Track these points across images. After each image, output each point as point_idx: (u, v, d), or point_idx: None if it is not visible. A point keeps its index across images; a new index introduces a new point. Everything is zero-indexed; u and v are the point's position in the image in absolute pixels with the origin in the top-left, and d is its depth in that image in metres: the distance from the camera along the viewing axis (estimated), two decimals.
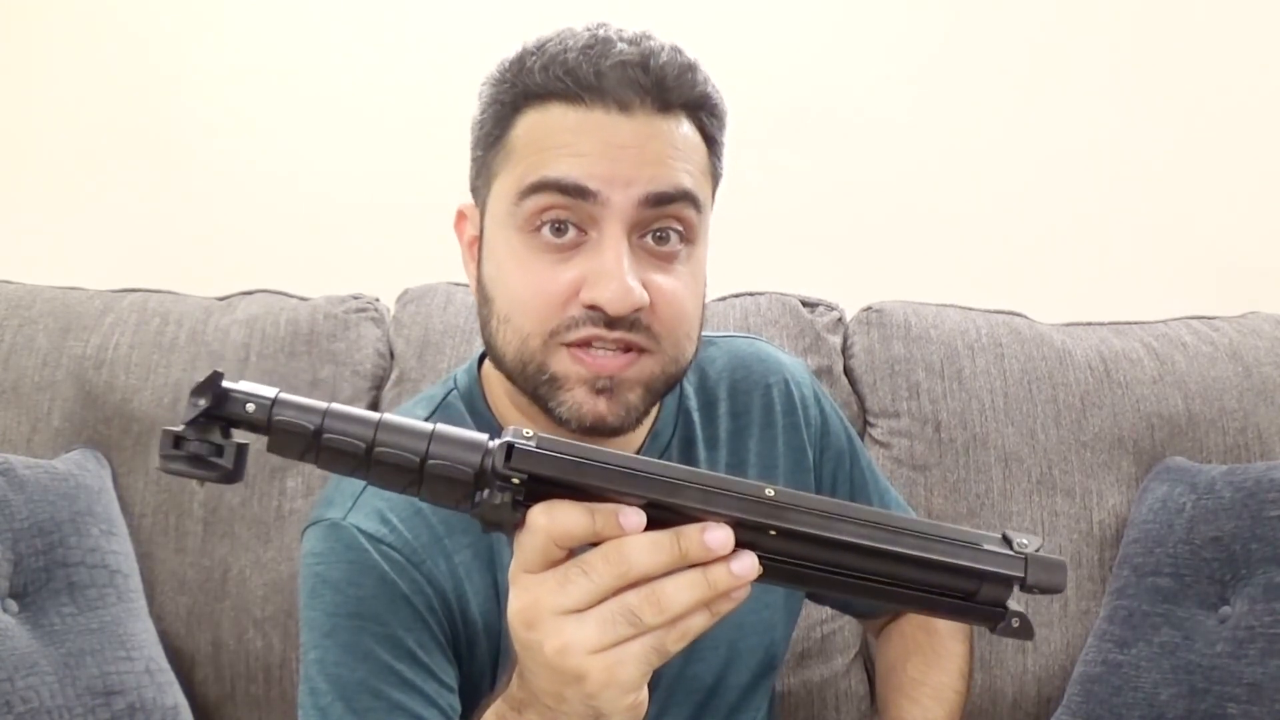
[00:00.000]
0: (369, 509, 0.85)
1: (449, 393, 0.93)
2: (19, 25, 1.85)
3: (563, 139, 0.79)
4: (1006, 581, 0.58)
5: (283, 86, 1.86)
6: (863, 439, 1.50)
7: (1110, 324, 1.58)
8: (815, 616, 1.43)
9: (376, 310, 1.56)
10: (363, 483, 0.86)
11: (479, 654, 0.86)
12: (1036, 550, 0.58)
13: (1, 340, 1.46)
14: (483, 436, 0.58)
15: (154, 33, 1.85)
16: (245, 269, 1.69)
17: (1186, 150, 1.86)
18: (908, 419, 1.49)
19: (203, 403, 0.57)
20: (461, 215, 0.92)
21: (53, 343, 1.46)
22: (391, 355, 1.53)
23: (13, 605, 1.26)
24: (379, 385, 1.50)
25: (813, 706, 1.44)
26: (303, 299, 1.56)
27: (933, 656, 1.07)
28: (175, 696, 1.31)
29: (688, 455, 0.95)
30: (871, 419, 1.52)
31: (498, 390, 0.90)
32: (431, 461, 0.57)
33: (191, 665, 1.40)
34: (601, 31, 0.81)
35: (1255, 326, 1.55)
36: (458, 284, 1.56)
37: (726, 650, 0.95)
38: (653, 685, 0.90)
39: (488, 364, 0.92)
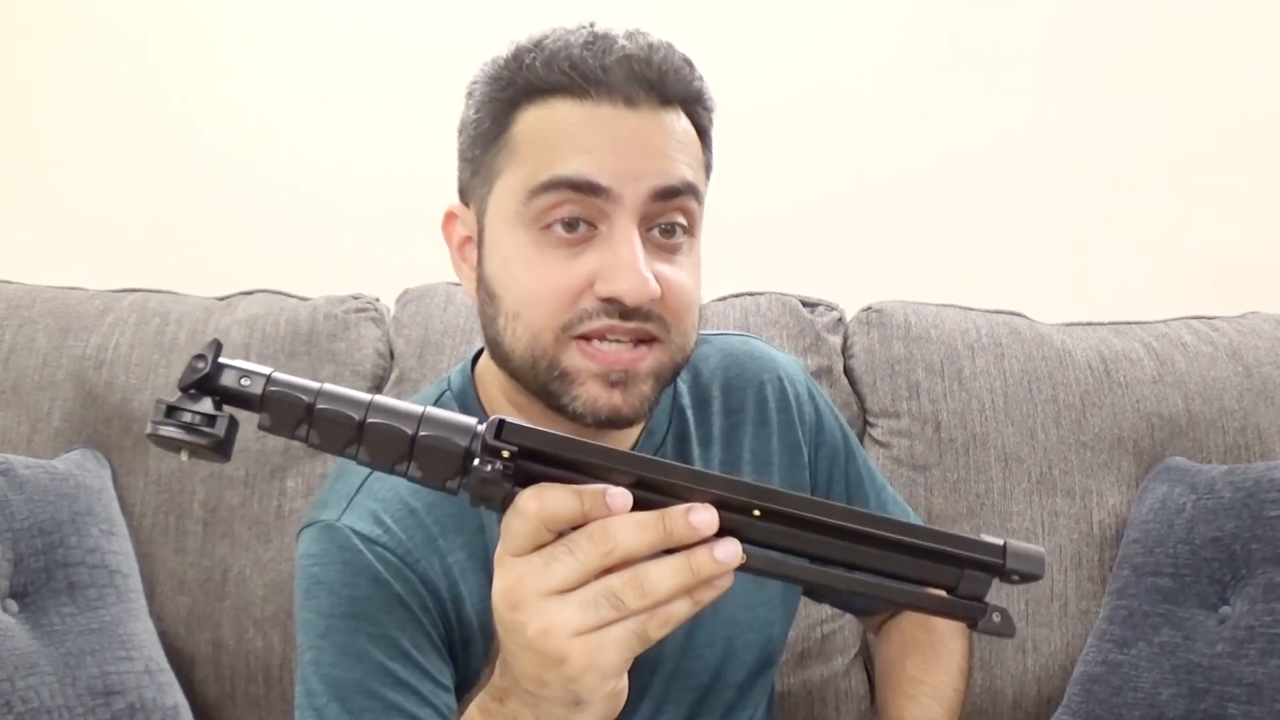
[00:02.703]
0: (363, 510, 0.85)
1: (443, 393, 0.93)
2: (19, 26, 1.86)
3: (570, 135, 0.80)
4: (986, 568, 0.59)
5: (283, 87, 1.86)
6: (863, 439, 1.50)
7: (1110, 324, 1.58)
8: (815, 616, 1.43)
9: (376, 310, 1.56)
10: (357, 485, 0.87)
11: (474, 654, 0.86)
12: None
13: (1, 340, 1.46)
14: (471, 420, 0.59)
15: (154, 33, 1.86)
16: (245, 269, 1.70)
17: (1186, 151, 1.86)
18: (908, 419, 1.49)
19: (202, 365, 0.57)
20: (450, 216, 0.91)
21: (53, 343, 1.46)
22: (391, 355, 1.53)
23: (13, 605, 1.26)
24: (379, 385, 1.51)
25: (813, 706, 1.44)
26: (303, 299, 1.56)
27: (932, 655, 1.07)
28: (175, 696, 1.32)
29: (682, 452, 0.96)
30: (871, 419, 1.52)
31: (493, 390, 0.90)
32: (423, 434, 0.58)
33: (191, 665, 1.40)
34: (598, 28, 0.82)
35: (1255, 326, 1.55)
36: (458, 284, 1.55)
37: (723, 647, 0.95)
38: (649, 681, 0.91)
39: (482, 363, 0.92)
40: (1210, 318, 1.58)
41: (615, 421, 0.81)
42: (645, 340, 0.81)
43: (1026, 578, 0.59)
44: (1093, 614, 1.42)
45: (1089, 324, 1.58)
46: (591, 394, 0.80)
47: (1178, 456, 1.45)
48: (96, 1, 1.86)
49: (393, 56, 1.86)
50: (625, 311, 0.79)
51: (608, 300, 0.79)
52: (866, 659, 1.48)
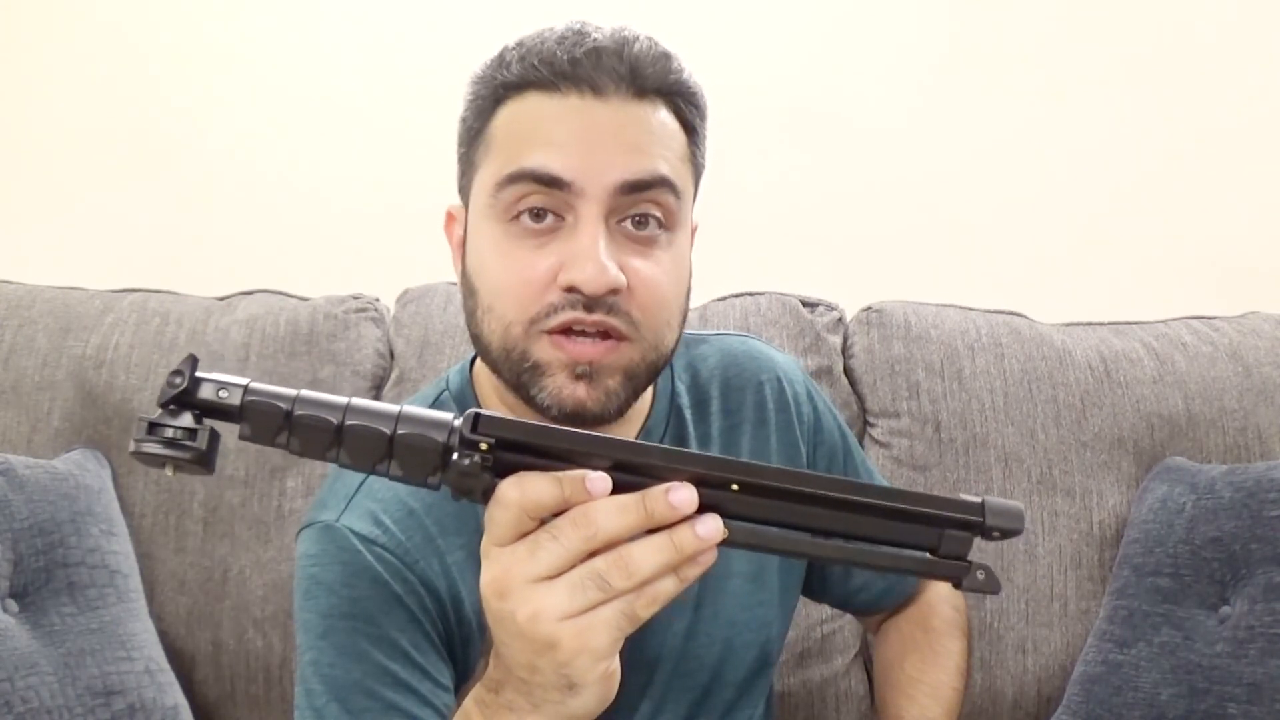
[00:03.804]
0: (362, 511, 0.85)
1: (441, 393, 0.94)
2: (19, 27, 1.86)
3: (539, 127, 0.81)
4: (966, 526, 0.60)
5: (283, 87, 1.86)
6: (862, 439, 1.50)
7: (1110, 324, 1.58)
8: (815, 616, 1.43)
9: (376, 310, 1.56)
10: (356, 485, 0.87)
11: (474, 653, 0.86)
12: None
13: (1, 340, 1.46)
14: (448, 415, 0.60)
15: (153, 33, 1.86)
16: (245, 269, 1.70)
17: (1186, 151, 1.86)
18: (908, 419, 1.49)
19: (180, 381, 0.58)
20: (450, 217, 0.93)
21: (53, 343, 1.46)
22: (391, 355, 1.53)
23: (13, 605, 1.26)
24: (379, 385, 1.51)
25: (813, 706, 1.44)
26: (303, 299, 1.56)
27: (930, 654, 1.07)
28: (175, 696, 1.32)
29: None
30: (871, 419, 1.52)
31: (489, 390, 0.91)
32: (401, 432, 0.58)
33: (191, 665, 1.40)
34: (578, 25, 0.82)
35: (1255, 326, 1.55)
36: (457, 284, 1.55)
37: (722, 647, 0.95)
38: (649, 681, 0.91)
39: (479, 364, 0.92)
40: (1210, 318, 1.58)
41: (581, 416, 0.81)
42: (612, 336, 0.81)
43: (1007, 533, 0.60)
44: (1093, 614, 1.42)
45: (1089, 324, 1.58)
46: (558, 385, 0.81)
47: (1178, 456, 1.45)
48: (96, 2, 1.86)
49: (393, 57, 1.86)
50: (588, 303, 0.79)
51: (569, 290, 0.79)
52: (866, 659, 1.48)
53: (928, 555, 0.61)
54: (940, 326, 1.53)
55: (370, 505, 0.86)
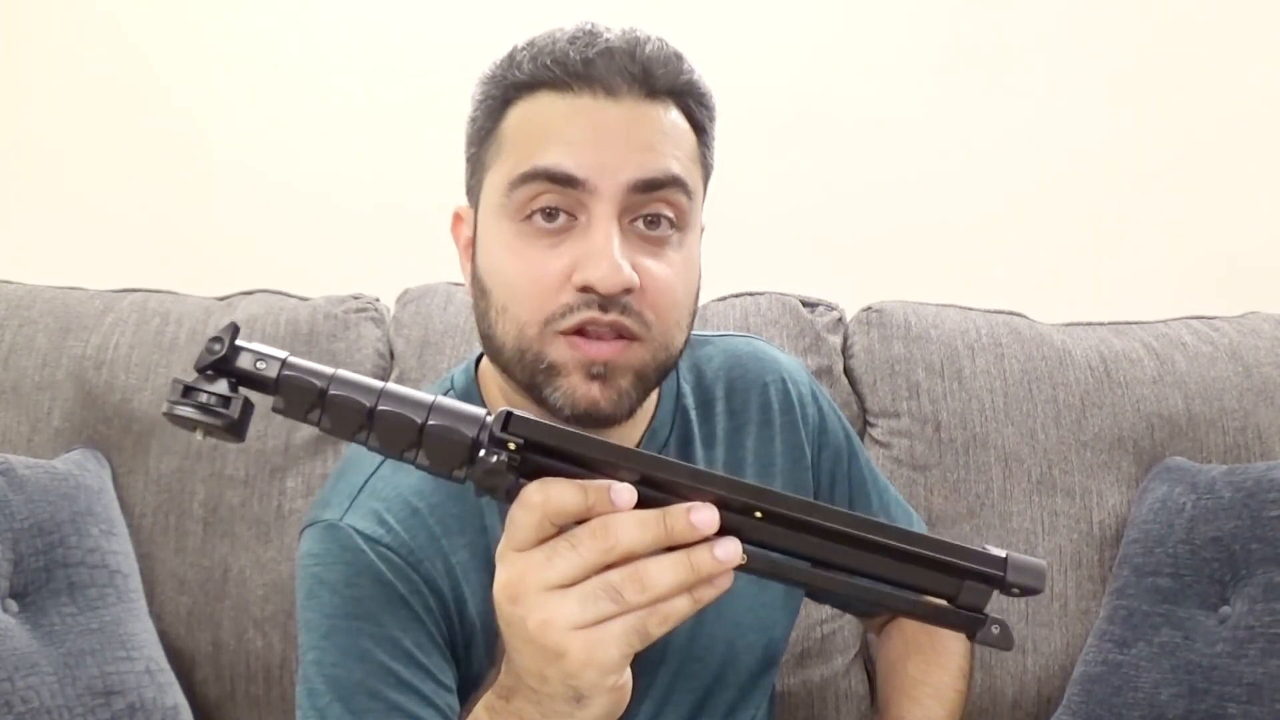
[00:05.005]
0: (366, 510, 0.85)
1: (446, 393, 0.94)
2: (19, 26, 1.85)
3: (551, 127, 0.81)
4: (986, 579, 0.59)
5: (283, 87, 1.86)
6: (863, 439, 1.50)
7: (1110, 324, 1.58)
8: (815, 616, 1.43)
9: (376, 310, 1.56)
10: (359, 484, 0.87)
11: (476, 654, 0.86)
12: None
13: (1, 340, 1.46)
14: (480, 410, 0.60)
15: (153, 32, 1.86)
16: (245, 269, 1.69)
17: (1187, 151, 1.86)
18: (908, 419, 1.49)
19: (219, 347, 0.58)
20: (458, 218, 0.92)
21: (53, 343, 1.46)
22: (391, 355, 1.53)
23: (13, 605, 1.26)
24: None
25: (813, 706, 1.44)
26: (303, 299, 1.56)
27: (933, 655, 1.07)
28: (175, 696, 1.32)
29: (685, 454, 0.95)
30: (871, 419, 1.52)
31: (494, 390, 0.91)
32: (432, 423, 0.59)
33: (191, 665, 1.40)
34: (589, 26, 0.83)
35: (1255, 326, 1.55)
36: (458, 284, 1.56)
37: (725, 648, 0.95)
38: (651, 682, 0.91)
39: (484, 364, 0.92)
40: (1210, 318, 1.58)
41: (594, 416, 0.81)
42: (624, 336, 0.81)
43: (1027, 590, 0.59)
44: (1093, 614, 1.42)
45: (1089, 324, 1.58)
46: (572, 385, 0.80)
47: (1178, 456, 1.45)
48: (97, 1, 1.86)
49: (393, 57, 1.86)
50: (603, 302, 0.79)
51: (584, 290, 0.79)
52: (866, 659, 1.48)
53: (943, 604, 0.61)
54: (940, 326, 1.53)
55: (374, 504, 0.85)
